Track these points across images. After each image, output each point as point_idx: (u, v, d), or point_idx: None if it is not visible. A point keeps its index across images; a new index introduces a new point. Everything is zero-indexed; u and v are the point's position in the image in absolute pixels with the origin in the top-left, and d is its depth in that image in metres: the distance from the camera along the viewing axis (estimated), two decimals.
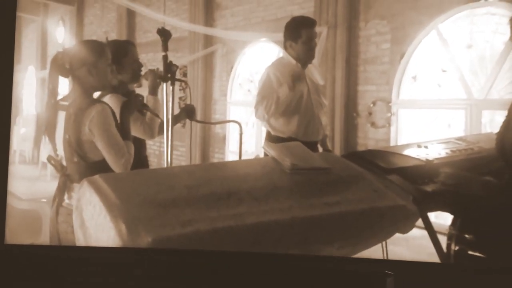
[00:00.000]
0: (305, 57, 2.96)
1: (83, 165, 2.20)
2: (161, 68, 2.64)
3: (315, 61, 3.10)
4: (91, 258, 2.30)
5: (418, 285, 2.21)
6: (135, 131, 2.52)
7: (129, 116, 2.34)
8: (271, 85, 2.95)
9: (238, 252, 1.87)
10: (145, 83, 2.74)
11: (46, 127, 2.29)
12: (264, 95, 2.96)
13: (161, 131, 2.67)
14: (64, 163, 2.25)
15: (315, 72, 3.07)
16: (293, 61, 2.95)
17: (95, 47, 2.29)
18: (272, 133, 2.98)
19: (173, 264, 2.32)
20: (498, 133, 2.10)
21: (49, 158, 2.31)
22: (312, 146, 2.84)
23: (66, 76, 2.26)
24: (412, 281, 2.22)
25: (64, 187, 2.22)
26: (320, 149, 3.06)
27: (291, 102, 2.92)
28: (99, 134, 2.17)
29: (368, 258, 2.23)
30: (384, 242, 2.17)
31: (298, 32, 2.93)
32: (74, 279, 2.39)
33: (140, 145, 2.63)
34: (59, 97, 2.29)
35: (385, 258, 2.20)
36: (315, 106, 2.99)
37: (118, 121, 2.27)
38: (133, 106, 2.39)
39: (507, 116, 2.08)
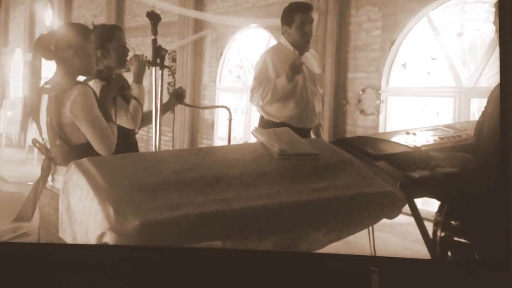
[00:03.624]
0: (300, 43, 2.95)
1: (66, 148, 2.18)
2: (149, 54, 2.62)
3: (312, 49, 3.09)
4: (74, 256, 2.26)
5: (404, 281, 2.23)
6: (119, 120, 2.49)
7: (108, 98, 2.31)
8: (268, 71, 2.94)
9: (224, 249, 1.87)
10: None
11: (30, 110, 2.27)
12: (260, 80, 2.95)
13: (144, 122, 2.65)
14: (49, 146, 2.23)
15: (312, 60, 3.06)
16: (291, 48, 2.94)
17: (83, 30, 2.28)
18: (266, 117, 2.98)
19: (160, 261, 2.30)
20: (477, 121, 2.19)
21: (34, 141, 2.29)
22: (305, 133, 2.85)
23: (50, 58, 2.23)
24: (398, 276, 2.23)
25: (48, 170, 2.21)
26: (313, 137, 3.07)
27: (287, 90, 2.93)
28: (82, 115, 2.15)
29: (352, 254, 2.24)
30: (370, 229, 2.19)
31: (292, 17, 2.92)
32: (55, 278, 2.35)
33: (129, 129, 2.62)
34: (44, 81, 2.26)
35: (372, 244, 2.21)
36: (310, 94, 3.00)
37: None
38: (111, 88, 2.36)
39: (486, 106, 2.13)
